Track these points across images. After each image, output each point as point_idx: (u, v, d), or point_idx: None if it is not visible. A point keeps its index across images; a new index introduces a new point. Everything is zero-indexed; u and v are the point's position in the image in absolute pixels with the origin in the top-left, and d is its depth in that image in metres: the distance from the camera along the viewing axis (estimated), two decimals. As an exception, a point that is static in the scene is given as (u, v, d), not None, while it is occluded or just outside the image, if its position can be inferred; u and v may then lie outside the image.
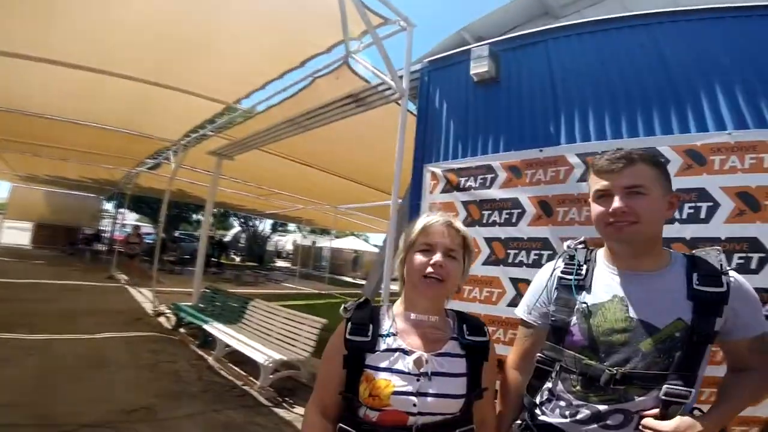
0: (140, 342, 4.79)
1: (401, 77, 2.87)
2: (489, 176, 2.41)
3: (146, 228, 19.66)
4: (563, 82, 2.44)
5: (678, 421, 0.95)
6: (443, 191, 2.55)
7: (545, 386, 1.16)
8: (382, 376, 0.91)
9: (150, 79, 3.98)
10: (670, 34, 2.21)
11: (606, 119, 2.20)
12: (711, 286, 1.01)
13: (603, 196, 1.07)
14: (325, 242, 22.91)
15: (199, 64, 3.73)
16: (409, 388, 0.90)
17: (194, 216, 23.33)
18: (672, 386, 0.98)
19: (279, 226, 26.16)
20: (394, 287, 3.65)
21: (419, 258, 0.99)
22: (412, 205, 2.66)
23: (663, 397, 0.98)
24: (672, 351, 1.00)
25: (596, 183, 1.09)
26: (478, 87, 2.75)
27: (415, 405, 0.89)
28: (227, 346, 4.18)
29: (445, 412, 0.92)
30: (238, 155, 5.75)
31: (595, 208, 1.09)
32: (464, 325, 1.03)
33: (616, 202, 1.03)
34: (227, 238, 25.74)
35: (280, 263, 26.42)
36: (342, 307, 1.05)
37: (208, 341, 4.75)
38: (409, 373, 0.91)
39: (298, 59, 3.50)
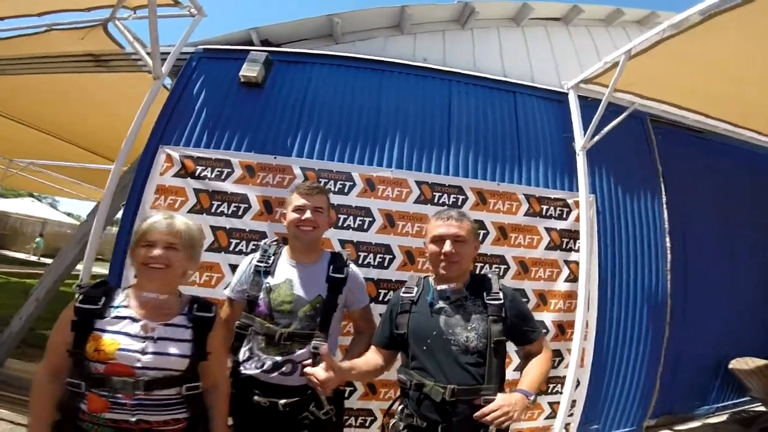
0: None
1: (163, 59, 2.60)
2: (226, 170, 2.58)
3: None
4: (312, 103, 2.90)
5: (324, 365, 1.36)
6: (176, 175, 2.52)
7: (245, 347, 1.50)
8: (108, 336, 1.11)
9: None
10: (388, 82, 3.01)
11: (328, 143, 2.78)
12: (338, 273, 1.57)
13: (299, 209, 1.53)
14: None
15: None
16: (135, 347, 1.11)
17: None
18: (317, 341, 1.45)
19: None
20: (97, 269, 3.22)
21: (140, 251, 1.21)
22: (137, 183, 2.50)
23: (312, 350, 1.44)
24: (315, 317, 1.50)
25: (297, 200, 1.55)
26: (242, 87, 2.88)
27: (139, 361, 1.10)
28: None
29: (170, 368, 1.14)
30: None
31: (292, 215, 1.55)
32: (195, 305, 1.28)
33: (307, 214, 1.51)
34: None
35: None
36: (75, 285, 1.24)
37: None
38: (136, 336, 1.13)
39: (36, 9, 2.69)
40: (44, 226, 15.94)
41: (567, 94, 3.09)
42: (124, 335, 1.13)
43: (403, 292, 1.53)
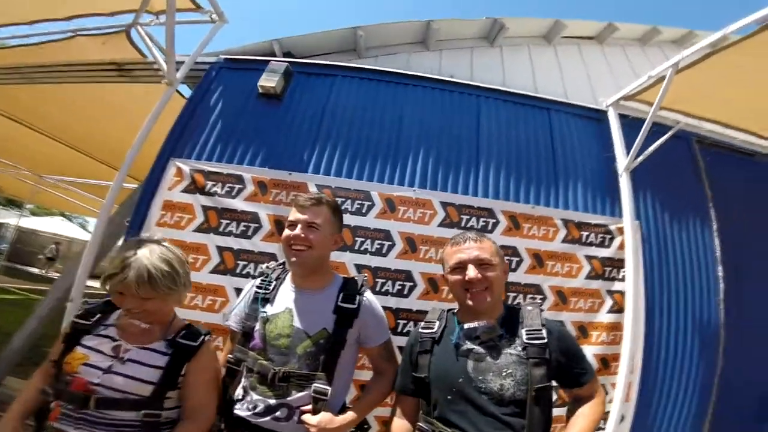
0: None
1: (178, 65, 2.54)
2: (237, 186, 2.41)
3: None
4: (331, 116, 2.73)
5: (321, 416, 1.16)
6: (184, 190, 2.37)
7: (241, 384, 1.29)
8: (81, 351, 1.12)
9: None
10: (412, 97, 2.83)
11: (346, 159, 2.58)
12: (348, 303, 1.30)
13: (291, 224, 1.32)
14: (9, 218, 15.25)
15: None
16: (100, 365, 1.10)
17: None
18: (318, 384, 1.20)
19: None
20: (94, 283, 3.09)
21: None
22: (144, 198, 2.35)
23: (313, 394, 1.19)
24: (318, 355, 1.23)
25: (291, 214, 1.33)
26: (259, 99, 2.75)
27: (98, 378, 1.08)
28: None
29: (132, 392, 1.09)
30: None
31: (285, 233, 1.32)
32: (184, 332, 1.21)
33: (297, 230, 1.29)
34: None
35: None
36: (85, 300, 1.32)
37: None
38: (106, 354, 1.12)
39: (63, 13, 2.68)
40: (70, 245, 15.82)
41: (605, 112, 2.88)
42: (96, 352, 1.13)
43: (422, 328, 1.31)
